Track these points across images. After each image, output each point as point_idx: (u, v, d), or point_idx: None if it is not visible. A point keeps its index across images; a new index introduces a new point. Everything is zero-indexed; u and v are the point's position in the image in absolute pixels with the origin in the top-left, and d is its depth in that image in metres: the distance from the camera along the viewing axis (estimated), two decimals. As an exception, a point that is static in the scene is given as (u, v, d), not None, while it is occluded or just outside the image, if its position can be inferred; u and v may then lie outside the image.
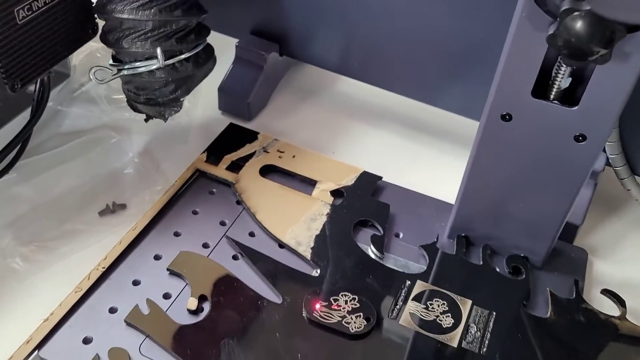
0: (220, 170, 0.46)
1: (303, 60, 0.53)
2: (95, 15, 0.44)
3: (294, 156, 0.48)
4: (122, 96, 0.51)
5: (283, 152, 0.48)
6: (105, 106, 0.51)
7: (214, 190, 0.45)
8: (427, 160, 0.50)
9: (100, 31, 0.43)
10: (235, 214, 0.43)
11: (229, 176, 0.45)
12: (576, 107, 0.33)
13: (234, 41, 0.52)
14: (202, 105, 0.53)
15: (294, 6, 0.49)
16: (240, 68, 0.52)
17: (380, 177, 0.46)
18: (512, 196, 0.39)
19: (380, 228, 0.43)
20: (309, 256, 0.40)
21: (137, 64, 0.42)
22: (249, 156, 0.47)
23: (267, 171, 0.47)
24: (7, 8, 0.36)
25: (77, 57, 0.54)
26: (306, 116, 0.53)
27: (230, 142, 0.48)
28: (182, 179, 0.45)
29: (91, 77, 0.42)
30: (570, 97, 0.34)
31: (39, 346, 0.34)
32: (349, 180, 0.46)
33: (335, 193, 0.45)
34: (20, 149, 0.44)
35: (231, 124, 0.50)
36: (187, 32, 0.43)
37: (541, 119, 0.34)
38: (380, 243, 0.42)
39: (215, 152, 0.47)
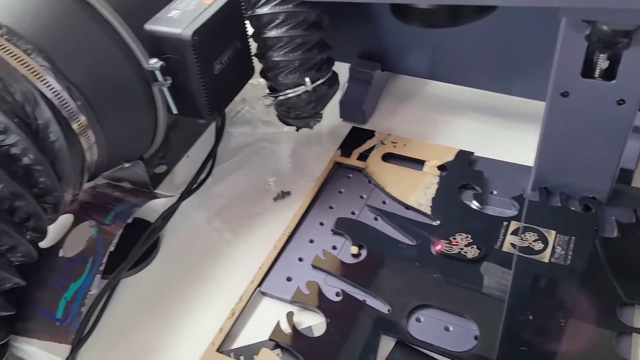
0: (352, 160, 0.62)
1: (401, 73, 0.69)
2: (253, 61, 0.62)
3: (404, 145, 0.63)
4: (268, 117, 0.69)
5: (396, 142, 0.64)
6: (258, 125, 0.69)
7: (350, 175, 0.62)
8: (506, 137, 0.64)
9: (260, 71, 0.61)
10: (369, 190, 0.60)
11: (360, 164, 0.62)
12: (614, 81, 0.47)
13: (344, 65, 0.69)
14: (327, 116, 0.69)
15: (390, 35, 0.65)
16: (354, 84, 0.68)
17: (472, 153, 0.61)
18: (576, 152, 0.52)
19: (478, 188, 0.58)
20: (429, 212, 0.56)
21: (289, 91, 0.59)
22: (372, 148, 0.63)
23: (387, 157, 0.62)
24: (209, 64, 0.55)
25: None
26: (407, 115, 0.69)
27: (355, 139, 0.65)
28: (327, 170, 0.62)
29: (260, 103, 0.60)
30: (609, 74, 0.47)
31: (259, 285, 0.52)
32: (449, 157, 0.61)
33: (441, 167, 0.60)
34: (213, 161, 0.63)
35: (354, 127, 0.67)
36: (322, 64, 0.59)
37: (590, 92, 0.48)
38: (480, 198, 0.56)
39: (346, 148, 0.64)
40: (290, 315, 0.49)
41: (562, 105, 0.50)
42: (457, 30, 0.60)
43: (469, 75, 0.64)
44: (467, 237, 0.53)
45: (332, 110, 0.69)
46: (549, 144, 0.53)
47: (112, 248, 0.53)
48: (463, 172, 0.59)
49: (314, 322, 0.49)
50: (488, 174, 0.59)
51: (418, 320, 0.48)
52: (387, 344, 0.47)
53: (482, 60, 0.62)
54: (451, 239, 0.53)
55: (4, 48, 0.45)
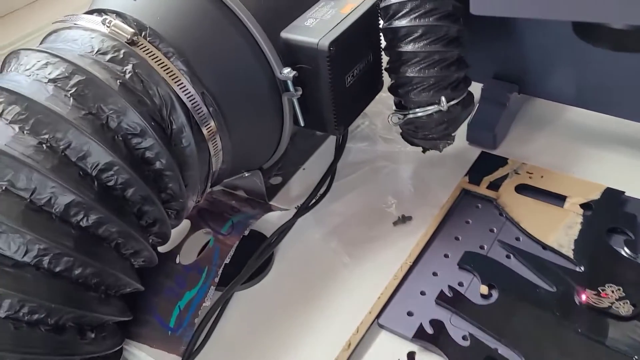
0: (482, 189, 0.57)
1: (540, 97, 0.63)
2: (382, 74, 0.59)
3: (542, 176, 0.57)
4: (389, 135, 0.66)
5: (532, 173, 0.58)
6: (378, 142, 0.66)
7: (479, 205, 0.57)
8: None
9: (389, 86, 0.57)
10: (500, 223, 0.54)
11: (490, 193, 0.57)
12: None
13: (475, 85, 0.64)
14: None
15: (531, 53, 0.60)
16: (486, 106, 0.63)
17: (623, 192, 0.54)
18: None
19: (630, 234, 0.51)
20: (571, 256, 0.50)
21: (419, 110, 0.55)
22: (504, 177, 0.58)
23: (521, 189, 0.57)
24: (342, 76, 0.52)
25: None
26: (543, 143, 0.63)
27: (485, 166, 0.60)
28: (453, 196, 0.57)
29: (389, 121, 0.56)
30: None
31: (378, 316, 0.48)
32: (595, 195, 0.55)
33: (584, 206, 0.54)
34: (332, 177, 0.60)
35: (483, 152, 0.62)
36: (458, 82, 0.55)
37: None
38: (633, 245, 0.50)
39: (475, 174, 0.59)
40: (412, 356, 0.45)
41: None
42: (618, 54, 0.54)
43: (625, 105, 0.57)
44: (619, 289, 0.46)
45: (458, 132, 0.64)
46: None
47: (227, 260, 0.51)
48: (612, 213, 0.53)
49: (438, 366, 0.45)
50: (642, 218, 0.52)
51: (559, 380, 0.42)
52: (521, 403, 0.41)
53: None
54: (600, 289, 0.46)
55: (147, 50, 0.44)
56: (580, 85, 0.58)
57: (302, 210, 0.57)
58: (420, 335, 0.46)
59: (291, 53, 0.50)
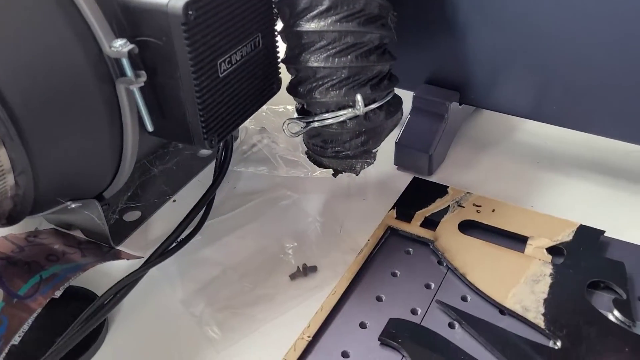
0: (414, 227, 0.41)
1: (487, 108, 0.48)
2: (280, 71, 0.43)
3: (493, 210, 0.42)
4: (294, 156, 0.50)
5: (480, 205, 0.43)
6: (279, 165, 0.49)
7: (410, 249, 0.40)
8: (647, 211, 0.43)
9: (288, 85, 0.41)
10: (439, 275, 0.38)
11: (425, 233, 0.41)
12: None
13: (405, 93, 0.49)
14: (376, 161, 0.49)
15: (478, 50, 0.46)
16: (419, 119, 0.48)
17: (603, 232, 0.40)
18: None
19: (620, 290, 0.36)
20: (542, 324, 0.34)
21: (328, 115, 0.39)
22: (443, 211, 0.43)
23: (467, 227, 0.41)
24: (212, 60, 0.36)
25: (245, 119, 0.53)
26: (490, 167, 0.48)
27: (418, 197, 0.44)
28: (375, 237, 0.41)
29: (284, 130, 0.40)
30: None
31: None
32: (565, 235, 0.40)
33: (553, 250, 0.39)
34: (206, 211, 0.43)
35: (415, 178, 0.47)
36: (380, 79, 0.40)
37: None
38: (624, 307, 0.35)
39: (404, 208, 0.43)
40: None
41: None
42: (580, 50, 0.41)
43: (593, 117, 0.43)
44: (615, 377, 0.31)
45: (382, 153, 0.49)
46: None
47: (17, 338, 0.32)
48: (591, 261, 0.38)
49: None
50: (632, 268, 0.37)
51: None
52: None
53: (615, 98, 0.42)
54: (587, 378, 0.31)
55: None
56: (540, 93, 0.44)
57: (157, 257, 0.39)
58: None
59: (131, 21, 0.34)
